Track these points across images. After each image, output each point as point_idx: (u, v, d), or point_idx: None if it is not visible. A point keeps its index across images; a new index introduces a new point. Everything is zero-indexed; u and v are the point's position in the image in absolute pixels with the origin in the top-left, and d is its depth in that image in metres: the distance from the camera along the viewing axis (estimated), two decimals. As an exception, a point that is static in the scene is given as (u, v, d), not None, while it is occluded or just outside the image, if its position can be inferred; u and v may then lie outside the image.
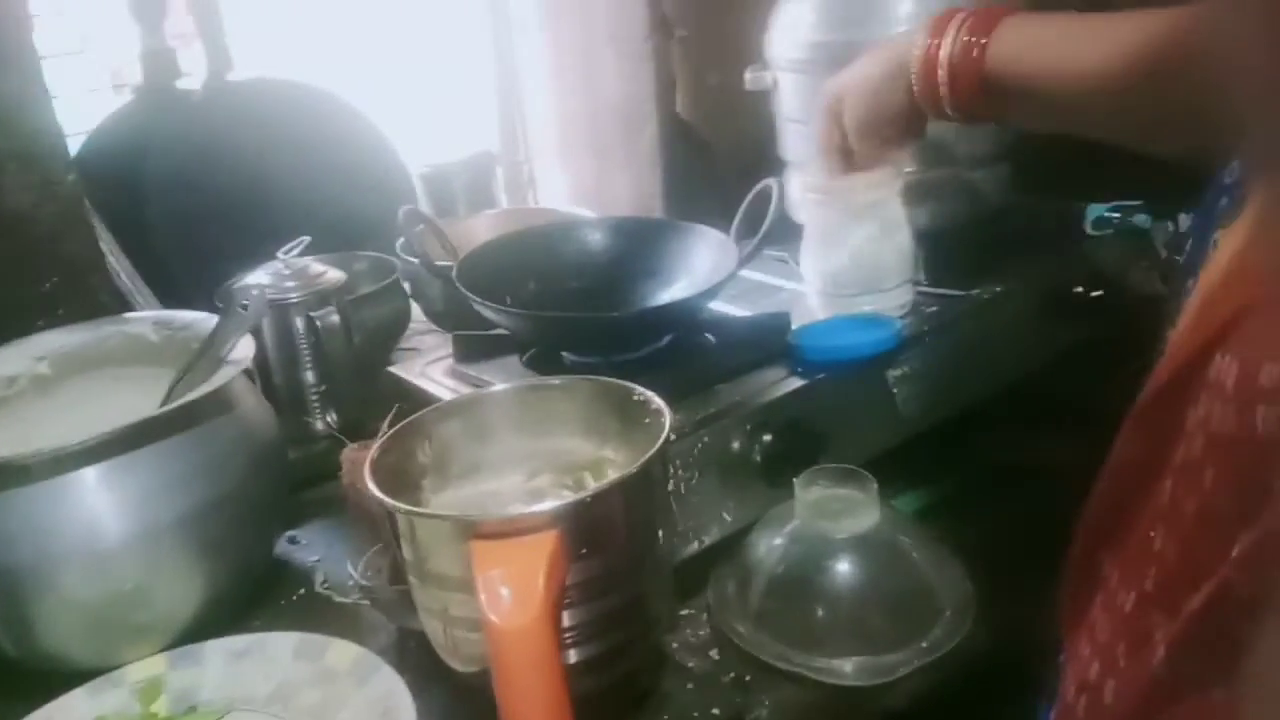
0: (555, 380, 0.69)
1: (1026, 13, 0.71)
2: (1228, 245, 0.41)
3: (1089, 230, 1.07)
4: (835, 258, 0.89)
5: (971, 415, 0.88)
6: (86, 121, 1.16)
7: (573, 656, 0.58)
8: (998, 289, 0.95)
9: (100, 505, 0.70)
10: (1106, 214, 1.06)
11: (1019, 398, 0.90)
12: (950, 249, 0.97)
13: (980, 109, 0.74)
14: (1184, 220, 1.01)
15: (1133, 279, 0.97)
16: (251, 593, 0.81)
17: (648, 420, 0.62)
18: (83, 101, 1.24)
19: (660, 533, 0.61)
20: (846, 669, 0.67)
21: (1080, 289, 0.96)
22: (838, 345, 0.84)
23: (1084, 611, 0.49)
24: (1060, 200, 1.10)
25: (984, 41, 0.71)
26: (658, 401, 0.63)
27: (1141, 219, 1.04)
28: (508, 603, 0.49)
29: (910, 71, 0.76)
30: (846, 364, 0.83)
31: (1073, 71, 0.66)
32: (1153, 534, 0.42)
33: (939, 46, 0.73)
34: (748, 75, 1.06)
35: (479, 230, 1.17)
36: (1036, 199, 1.09)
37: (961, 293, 0.94)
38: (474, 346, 0.92)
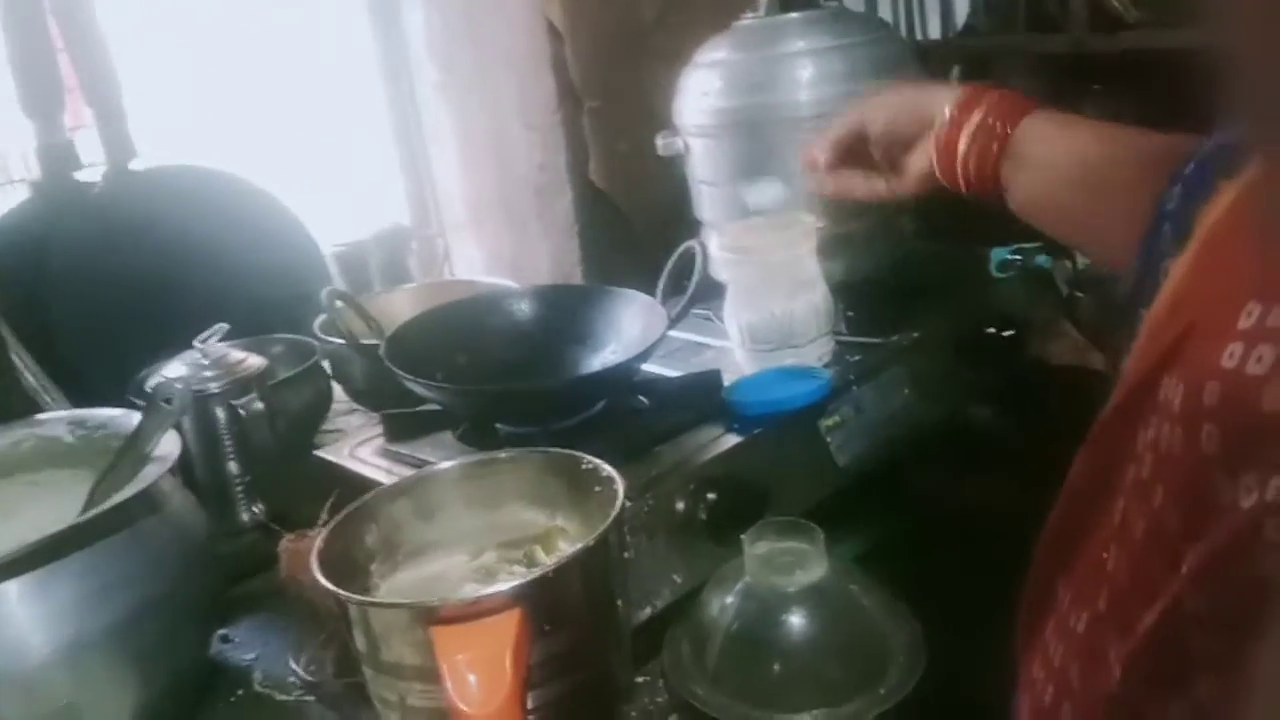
0: (502, 454, 0.68)
1: (1052, 111, 0.74)
2: (1175, 272, 0.42)
3: (994, 273, 1.12)
4: (753, 314, 0.91)
5: (904, 459, 0.90)
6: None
7: (539, 736, 0.57)
8: (915, 334, 0.98)
9: (24, 621, 0.66)
10: (1009, 256, 1.11)
11: (948, 439, 0.93)
12: (867, 299, 1.00)
13: (988, 190, 0.76)
14: (1080, 259, 1.06)
15: (1040, 317, 1.02)
16: (189, 699, 0.78)
17: (598, 488, 0.62)
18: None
19: (619, 602, 0.61)
20: (804, 723, 0.67)
21: (992, 329, 1.00)
22: (770, 399, 0.85)
23: (1037, 635, 0.49)
24: (965, 246, 1.15)
25: (1008, 130, 0.73)
26: (607, 469, 0.63)
27: (1042, 259, 1.09)
28: (476, 689, 0.48)
29: (932, 134, 0.78)
30: (780, 416, 0.84)
31: (1080, 180, 0.69)
32: (1105, 555, 0.43)
33: (963, 125, 0.75)
34: (659, 141, 1.08)
35: (399, 306, 1.16)
36: (943, 246, 1.13)
37: (881, 340, 0.97)
38: (404, 424, 0.91)
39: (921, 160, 0.81)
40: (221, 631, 0.87)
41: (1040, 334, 0.99)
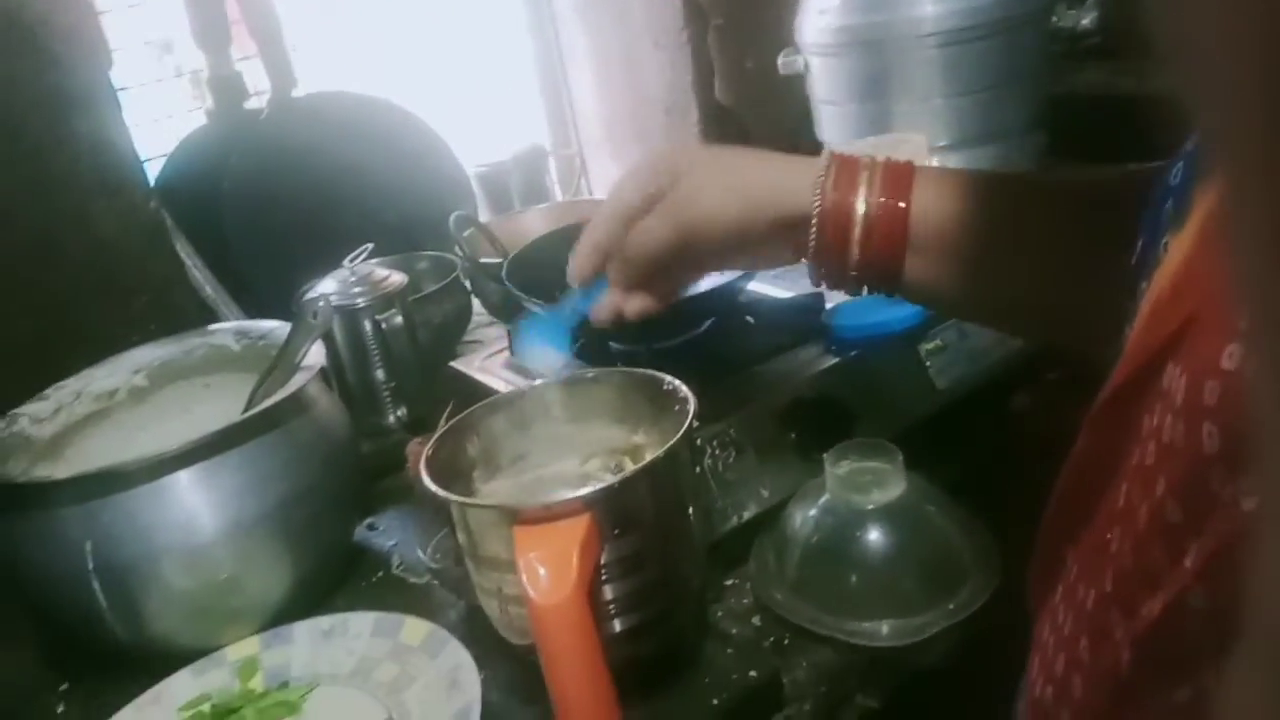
0: (589, 373, 0.74)
1: (936, 171, 0.64)
2: (1177, 251, 0.41)
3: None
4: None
5: (1005, 384, 0.91)
6: (166, 144, 1.25)
7: (616, 626, 0.63)
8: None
9: (194, 504, 0.77)
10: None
11: (1052, 365, 0.92)
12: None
13: (890, 271, 0.64)
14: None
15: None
16: (334, 577, 0.88)
17: (676, 408, 0.67)
18: (161, 125, 1.32)
19: (690, 512, 0.66)
20: (880, 631, 0.71)
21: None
22: (868, 323, 0.87)
23: (1049, 596, 0.49)
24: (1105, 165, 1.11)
25: (903, 205, 0.62)
26: (684, 390, 0.67)
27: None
28: (545, 581, 0.55)
29: (793, 220, 0.64)
30: (878, 339, 0.86)
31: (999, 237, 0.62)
32: (1109, 536, 0.43)
33: (852, 203, 0.62)
34: (781, 60, 1.09)
35: (533, 225, 1.23)
36: (1081, 165, 1.10)
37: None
38: (528, 339, 0.97)
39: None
40: (368, 520, 0.98)
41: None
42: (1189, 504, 0.37)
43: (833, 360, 0.85)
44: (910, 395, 0.87)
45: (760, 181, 0.65)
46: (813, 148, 1.09)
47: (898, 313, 0.87)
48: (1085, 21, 1.14)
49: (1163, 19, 0.18)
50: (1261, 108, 0.16)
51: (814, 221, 0.63)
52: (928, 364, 0.88)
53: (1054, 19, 0.99)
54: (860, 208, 0.62)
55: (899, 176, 0.62)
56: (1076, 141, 1.03)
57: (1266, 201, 0.17)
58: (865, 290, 0.66)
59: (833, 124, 1.07)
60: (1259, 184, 0.17)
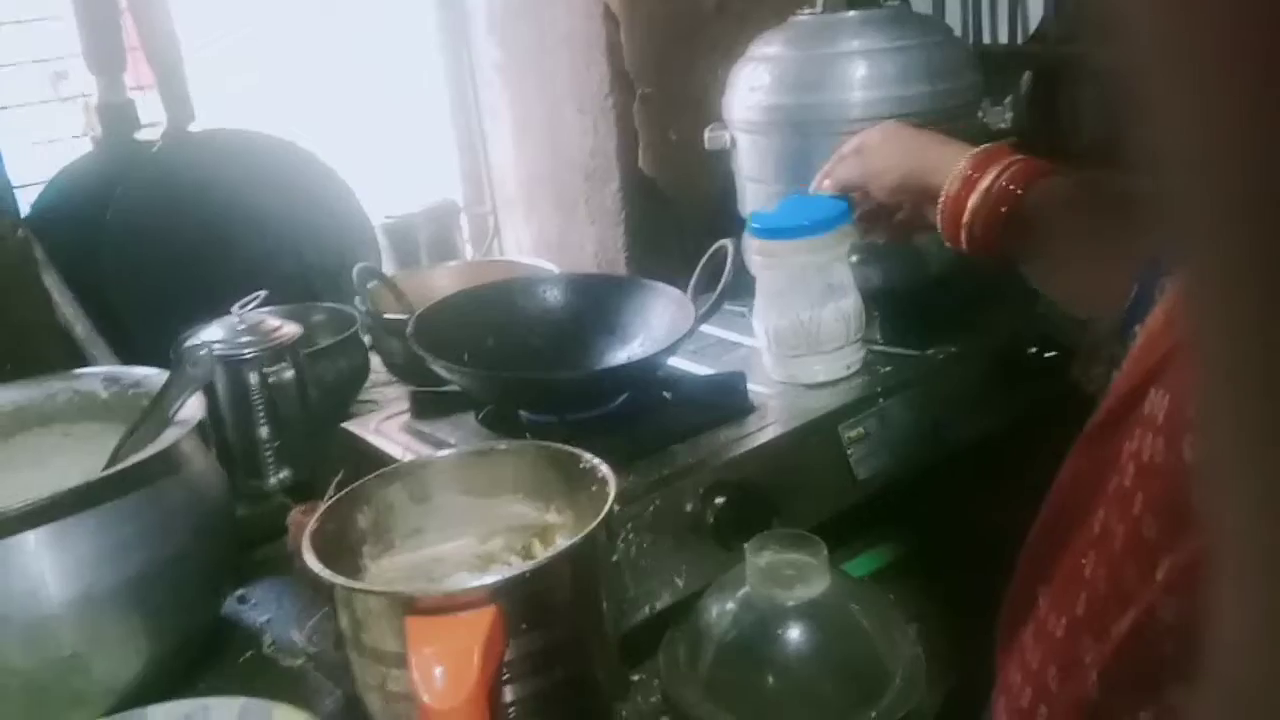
0: (501, 445, 0.69)
1: (1067, 176, 0.73)
2: (1171, 290, 0.43)
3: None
4: (780, 318, 0.89)
5: (924, 479, 0.88)
6: (44, 170, 1.16)
7: (515, 731, 0.57)
8: (953, 349, 0.95)
9: (39, 571, 0.69)
10: (1060, 273, 1.08)
11: (973, 460, 0.90)
12: (906, 309, 0.98)
13: (990, 252, 0.76)
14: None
15: (1085, 340, 0.98)
16: (197, 655, 0.80)
17: (594, 488, 0.62)
18: (39, 151, 1.23)
19: (604, 604, 0.60)
20: (794, 739, 0.66)
21: (1034, 349, 0.97)
22: (790, 225, 0.87)
23: (1015, 640, 0.50)
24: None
25: (1020, 192, 0.73)
26: (604, 468, 0.62)
27: (1094, 279, 1.05)
28: (441, 683, 0.49)
29: (939, 190, 0.78)
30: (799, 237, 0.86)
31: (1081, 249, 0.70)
32: (1084, 561, 0.44)
33: (975, 185, 0.75)
34: (707, 134, 1.07)
35: (440, 282, 1.17)
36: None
37: (917, 352, 0.95)
38: (430, 403, 0.91)
39: (919, 217, 0.81)
40: (239, 591, 0.89)
41: (1083, 358, 0.96)
42: (1165, 519, 0.38)
43: (754, 444, 0.81)
44: (831, 484, 0.84)
45: (920, 157, 0.80)
46: (735, 221, 1.08)
47: (816, 215, 0.87)
48: (1004, 120, 1.15)
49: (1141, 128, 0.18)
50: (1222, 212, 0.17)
51: (943, 194, 0.76)
52: (849, 451, 0.85)
53: (979, 114, 0.99)
54: (974, 200, 0.74)
55: (1027, 170, 0.73)
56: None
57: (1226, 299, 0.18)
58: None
59: (757, 200, 1.05)
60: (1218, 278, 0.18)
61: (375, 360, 1.16)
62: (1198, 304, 0.19)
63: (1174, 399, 0.38)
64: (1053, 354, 0.96)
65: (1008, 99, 1.02)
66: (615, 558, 0.69)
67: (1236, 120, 0.16)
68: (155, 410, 0.78)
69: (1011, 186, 0.73)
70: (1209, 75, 0.16)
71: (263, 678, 0.79)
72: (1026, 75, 1.07)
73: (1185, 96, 0.17)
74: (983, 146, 0.77)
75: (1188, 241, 0.18)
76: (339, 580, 0.55)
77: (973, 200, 0.75)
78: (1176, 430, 0.38)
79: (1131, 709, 0.40)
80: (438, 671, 0.49)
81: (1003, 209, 0.73)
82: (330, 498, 0.63)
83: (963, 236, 0.77)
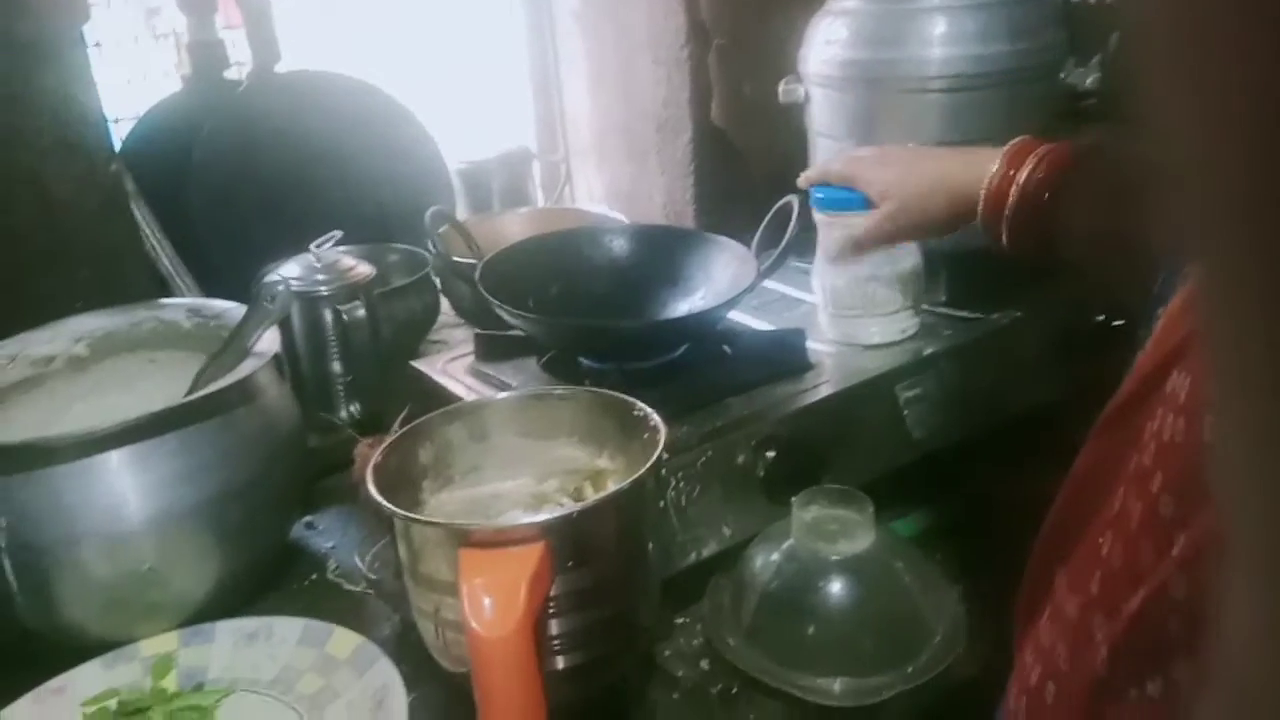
0: (558, 390, 0.70)
1: (1100, 158, 0.73)
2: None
3: (1118, 257, 1.06)
4: (839, 277, 0.89)
5: (981, 444, 0.88)
6: (135, 106, 1.20)
7: (559, 664, 0.59)
8: (1018, 314, 0.94)
9: (123, 488, 0.73)
10: (1137, 241, 1.05)
11: (1033, 428, 0.90)
12: (972, 271, 0.97)
13: (1033, 242, 0.75)
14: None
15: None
16: (265, 576, 0.83)
17: (645, 435, 0.64)
18: (135, 88, 1.27)
19: (650, 547, 0.62)
20: (833, 689, 0.67)
21: (1102, 317, 0.95)
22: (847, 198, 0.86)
23: (1032, 624, 0.50)
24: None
25: (1059, 176, 0.73)
26: (655, 418, 0.64)
27: (1172, 248, 1.03)
28: (489, 612, 0.51)
29: (972, 193, 0.77)
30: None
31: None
32: (1101, 540, 0.44)
33: (1013, 177, 0.74)
34: (781, 87, 1.06)
35: (511, 228, 1.19)
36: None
37: (981, 316, 0.94)
38: (495, 346, 0.93)
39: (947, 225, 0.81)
40: (308, 518, 0.93)
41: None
42: (1182, 497, 0.38)
43: (809, 400, 0.82)
44: (884, 443, 0.85)
45: (941, 176, 0.80)
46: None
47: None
48: (1089, 82, 1.12)
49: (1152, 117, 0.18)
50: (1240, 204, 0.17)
51: (982, 192, 0.76)
52: (905, 411, 0.85)
53: (1062, 75, 0.97)
54: (1020, 180, 0.74)
55: (1060, 156, 0.73)
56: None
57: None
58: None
59: (828, 157, 1.05)
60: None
61: (445, 303, 1.19)
62: (1205, 301, 0.19)
63: (1195, 379, 0.38)
64: (1120, 322, 0.94)
65: (1095, 59, 0.99)
66: (664, 504, 0.71)
67: (1238, 119, 0.16)
68: (235, 341, 0.82)
69: (1051, 173, 0.73)
70: (1210, 73, 0.16)
71: (326, 601, 0.82)
72: (1116, 35, 1.04)
73: (1188, 95, 0.17)
74: (1012, 143, 0.77)
75: (1194, 239, 0.18)
76: (398, 511, 0.58)
77: (1011, 199, 0.74)
78: (1197, 410, 0.38)
79: (1139, 683, 0.40)
80: (487, 602, 0.51)
81: (1045, 196, 0.73)
82: (395, 432, 0.66)
83: (1004, 232, 0.76)
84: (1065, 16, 1.01)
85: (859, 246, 0.84)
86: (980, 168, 0.76)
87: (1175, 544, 0.38)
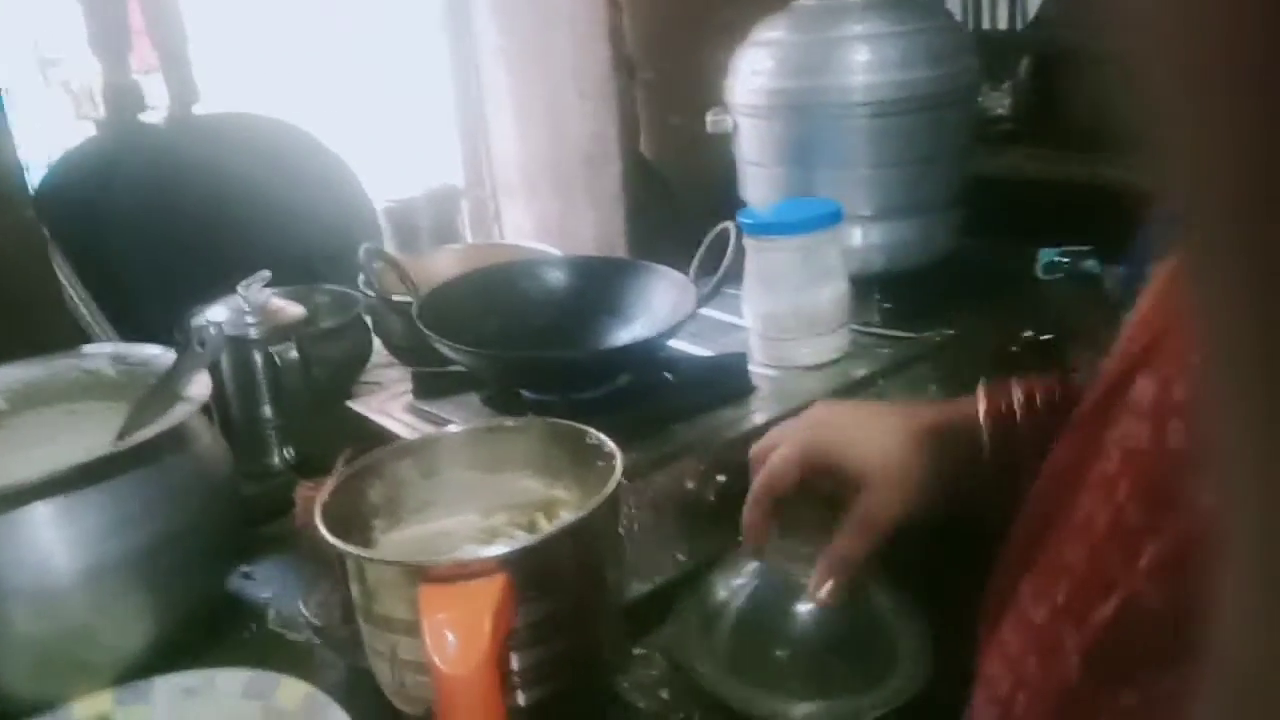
0: (509, 421, 0.70)
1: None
2: (1158, 276, 0.43)
3: (1040, 274, 1.09)
4: (770, 302, 0.90)
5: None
6: (49, 152, 1.17)
7: (520, 699, 0.58)
8: (949, 331, 0.96)
9: (50, 542, 0.69)
10: (1057, 258, 1.09)
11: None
12: (905, 292, 0.99)
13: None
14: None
15: (1083, 323, 0.99)
16: (204, 629, 0.80)
17: (600, 463, 0.63)
18: (45, 133, 1.23)
19: (609, 576, 0.61)
20: (801, 714, 0.67)
21: (1030, 333, 0.98)
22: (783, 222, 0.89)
23: (996, 632, 0.50)
24: (1013, 245, 1.13)
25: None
26: (610, 445, 0.63)
27: (1091, 263, 1.07)
28: (454, 649, 0.50)
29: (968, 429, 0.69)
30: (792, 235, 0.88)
31: None
32: (1066, 548, 0.44)
33: (1008, 392, 0.69)
34: (709, 118, 1.08)
35: (442, 265, 1.17)
36: (989, 243, 1.11)
37: (913, 335, 0.96)
38: (433, 383, 0.92)
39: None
40: (244, 568, 0.90)
41: (1080, 342, 0.97)
42: (1149, 504, 0.38)
43: (756, 422, 0.83)
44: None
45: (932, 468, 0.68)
46: (735, 206, 1.08)
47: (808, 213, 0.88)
48: (1000, 108, 1.17)
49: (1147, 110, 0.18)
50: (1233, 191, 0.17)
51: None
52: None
53: (979, 99, 1.00)
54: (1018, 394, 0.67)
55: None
56: (994, 218, 1.05)
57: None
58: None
59: (757, 185, 1.07)
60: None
61: (376, 343, 1.17)
62: (1200, 290, 0.19)
63: (1160, 383, 0.38)
64: (1048, 337, 0.97)
65: (1006, 84, 1.03)
66: (619, 531, 0.70)
67: (1237, 115, 0.16)
68: (163, 387, 0.79)
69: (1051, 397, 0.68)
70: (1209, 68, 0.16)
71: (269, 652, 0.79)
72: (1025, 61, 1.08)
73: (1184, 90, 0.17)
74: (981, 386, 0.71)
75: (1189, 235, 0.18)
76: (352, 550, 0.56)
77: (1018, 411, 0.68)
78: (1163, 416, 0.38)
79: (1112, 693, 0.40)
80: (451, 638, 0.50)
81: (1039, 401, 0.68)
82: (340, 472, 0.64)
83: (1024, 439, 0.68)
84: (979, 45, 1.05)
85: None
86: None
87: (1144, 552, 0.38)
